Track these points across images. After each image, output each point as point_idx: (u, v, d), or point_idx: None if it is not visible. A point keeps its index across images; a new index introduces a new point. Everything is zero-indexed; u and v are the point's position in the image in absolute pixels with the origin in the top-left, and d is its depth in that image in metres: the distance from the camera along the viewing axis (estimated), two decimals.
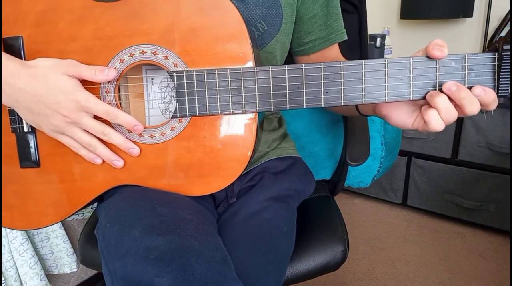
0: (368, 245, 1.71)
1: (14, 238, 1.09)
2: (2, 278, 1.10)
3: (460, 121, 1.67)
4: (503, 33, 0.53)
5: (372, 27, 1.65)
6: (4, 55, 0.58)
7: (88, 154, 0.61)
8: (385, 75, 0.54)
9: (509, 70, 0.52)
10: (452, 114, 0.52)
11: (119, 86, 0.64)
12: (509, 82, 0.52)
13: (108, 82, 0.60)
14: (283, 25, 0.71)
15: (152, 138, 0.61)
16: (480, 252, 1.64)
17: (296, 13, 0.75)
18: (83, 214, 1.28)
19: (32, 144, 0.63)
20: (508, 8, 1.73)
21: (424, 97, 0.54)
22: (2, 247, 1.07)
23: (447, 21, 1.91)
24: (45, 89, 0.56)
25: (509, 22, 0.58)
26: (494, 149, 1.61)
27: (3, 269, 1.09)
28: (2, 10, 0.61)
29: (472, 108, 0.51)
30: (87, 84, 0.59)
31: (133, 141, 0.61)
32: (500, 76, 0.52)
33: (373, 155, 0.99)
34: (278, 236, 0.66)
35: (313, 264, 0.74)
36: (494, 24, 1.78)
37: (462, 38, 1.90)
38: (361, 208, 2.01)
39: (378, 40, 1.78)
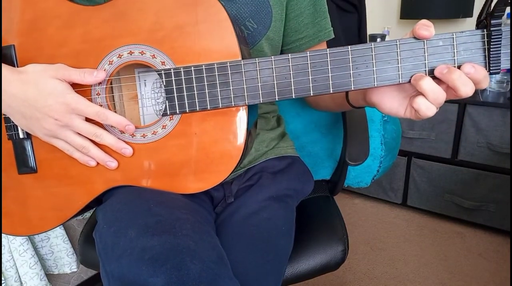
0: (368, 245, 1.71)
1: (14, 238, 1.09)
2: (2, 278, 1.10)
3: (460, 121, 1.67)
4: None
5: (372, 27, 1.65)
6: None
7: (82, 156, 0.61)
8: (373, 60, 0.53)
9: (499, 46, 0.50)
10: (440, 96, 0.50)
11: (111, 88, 0.64)
12: (500, 58, 0.50)
13: (99, 84, 0.60)
14: (272, 23, 0.71)
15: (144, 137, 0.61)
16: (480, 252, 1.64)
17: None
18: (83, 214, 1.28)
19: (28, 150, 0.64)
20: (508, 8, 1.73)
21: None
22: (2, 247, 1.07)
23: (447, 21, 1.91)
24: (35, 93, 0.56)
25: None
26: (494, 149, 1.61)
27: (3, 269, 1.09)
28: (2, 10, 0.61)
29: (466, 89, 0.49)
30: (77, 87, 0.59)
31: (126, 142, 0.61)
32: (491, 53, 0.51)
33: (372, 155, 0.99)
34: (277, 235, 0.66)
35: (313, 264, 0.74)
36: None
37: None
38: (361, 208, 2.01)
39: (378, 40, 1.78)
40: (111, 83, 0.63)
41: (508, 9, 1.69)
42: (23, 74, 0.58)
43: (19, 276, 1.12)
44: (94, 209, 0.74)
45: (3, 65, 0.59)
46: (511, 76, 1.65)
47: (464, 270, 1.54)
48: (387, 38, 1.85)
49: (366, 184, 1.04)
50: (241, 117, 0.59)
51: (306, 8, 0.75)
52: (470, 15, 1.75)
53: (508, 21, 1.65)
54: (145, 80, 0.66)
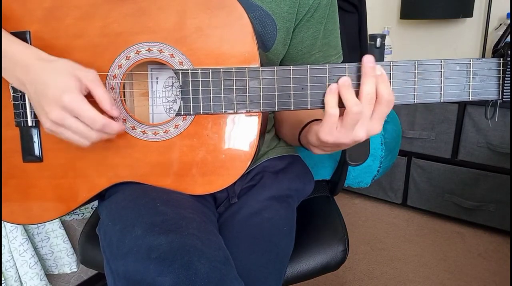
0: (368, 245, 1.71)
1: (14, 238, 1.09)
2: (2, 278, 1.10)
3: (460, 121, 1.67)
4: (509, 39, 0.53)
5: (372, 27, 1.65)
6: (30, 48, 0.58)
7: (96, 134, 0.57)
8: (391, 79, 0.54)
9: None
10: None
11: (123, 84, 0.64)
12: None
13: (114, 79, 0.60)
14: (274, 45, 0.71)
15: (155, 135, 0.61)
16: (480, 252, 1.64)
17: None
18: (83, 214, 1.28)
19: (35, 138, 0.63)
20: (508, 8, 1.73)
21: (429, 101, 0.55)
22: (2, 247, 1.07)
23: (447, 21, 1.91)
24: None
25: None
26: (494, 149, 1.61)
27: (3, 269, 1.09)
28: (2, 6, 0.61)
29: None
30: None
31: (136, 138, 0.61)
32: (505, 81, 0.53)
33: (373, 155, 0.99)
34: (278, 235, 0.66)
35: (313, 264, 0.74)
36: (494, 24, 1.78)
37: (462, 38, 1.90)
38: (361, 208, 2.01)
39: (378, 40, 1.78)
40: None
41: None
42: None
43: (19, 276, 1.12)
44: (94, 207, 0.74)
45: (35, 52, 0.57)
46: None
47: (464, 270, 1.54)
48: (387, 38, 1.85)
49: (366, 184, 1.04)
50: (255, 123, 0.59)
51: (308, 39, 0.74)
52: (470, 15, 1.75)
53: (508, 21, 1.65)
54: (157, 78, 0.66)
